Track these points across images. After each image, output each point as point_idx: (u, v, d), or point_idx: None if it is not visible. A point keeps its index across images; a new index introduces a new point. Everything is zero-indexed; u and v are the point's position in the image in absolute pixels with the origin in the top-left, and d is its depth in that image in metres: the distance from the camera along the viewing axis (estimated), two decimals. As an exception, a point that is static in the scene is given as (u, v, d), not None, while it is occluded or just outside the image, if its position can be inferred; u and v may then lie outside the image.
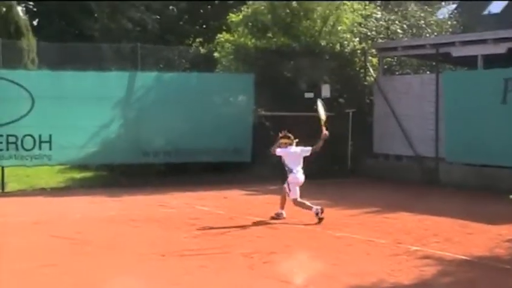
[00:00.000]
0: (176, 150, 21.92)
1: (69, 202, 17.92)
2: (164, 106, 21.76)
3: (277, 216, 14.81)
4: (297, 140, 15.07)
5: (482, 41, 20.65)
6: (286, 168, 14.92)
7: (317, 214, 14.31)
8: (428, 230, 13.64)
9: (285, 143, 14.95)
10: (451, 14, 32.61)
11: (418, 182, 21.70)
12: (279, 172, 22.39)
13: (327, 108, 23.66)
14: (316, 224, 14.09)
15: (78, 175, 22.88)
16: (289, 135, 15.04)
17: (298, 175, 14.83)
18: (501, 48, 20.21)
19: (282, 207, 14.93)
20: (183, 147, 22.01)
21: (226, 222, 14.65)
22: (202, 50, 25.53)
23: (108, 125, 21.26)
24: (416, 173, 22.14)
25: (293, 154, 14.96)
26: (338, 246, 12.00)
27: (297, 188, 14.80)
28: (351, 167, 23.67)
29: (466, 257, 11.14)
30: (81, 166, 23.23)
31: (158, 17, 28.42)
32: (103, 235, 13.15)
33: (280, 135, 15.05)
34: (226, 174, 22.09)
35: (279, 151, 14.96)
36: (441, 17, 30.83)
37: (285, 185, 14.88)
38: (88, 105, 20.78)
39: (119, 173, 22.22)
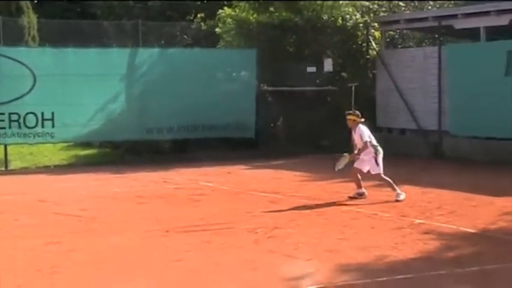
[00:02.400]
0: (179, 127, 21.94)
1: (73, 179, 17.95)
2: (167, 83, 21.74)
3: (359, 196, 14.13)
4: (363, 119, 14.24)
5: (485, 13, 20.53)
6: (374, 148, 14.03)
7: (361, 195, 14.03)
8: (432, 203, 13.65)
9: (354, 120, 14.05)
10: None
11: (422, 155, 21.69)
12: (282, 147, 22.52)
13: (330, 83, 23.82)
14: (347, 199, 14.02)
15: (81, 152, 22.91)
16: (358, 112, 14.25)
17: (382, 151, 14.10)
18: (504, 20, 20.10)
19: (360, 186, 14.23)
20: (186, 123, 22.02)
21: (231, 198, 14.68)
22: (203, 26, 25.43)
23: (111, 102, 21.27)
24: (420, 147, 22.12)
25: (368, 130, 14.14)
26: (343, 221, 12.01)
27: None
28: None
29: (470, 230, 11.14)
30: (85, 143, 23.25)
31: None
32: (108, 212, 13.18)
33: (349, 112, 14.35)
34: (230, 149, 22.09)
35: (368, 138, 13.92)
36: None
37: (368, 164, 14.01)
38: (90, 82, 20.80)
39: (123, 150, 22.26)
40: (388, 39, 24.96)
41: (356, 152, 14.01)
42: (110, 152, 22.94)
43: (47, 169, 20.18)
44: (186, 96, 21.76)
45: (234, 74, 23.38)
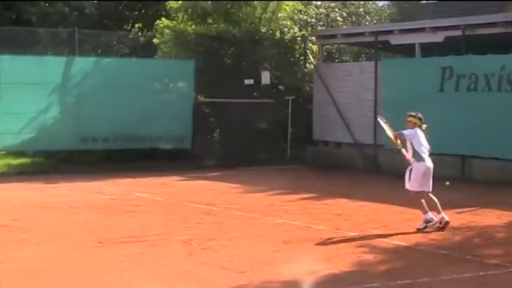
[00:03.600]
0: (115, 137, 21.75)
1: (5, 189, 17.61)
2: (103, 92, 21.53)
3: (427, 224, 12.22)
4: (425, 125, 12.63)
5: (420, 30, 20.86)
6: (414, 153, 12.41)
7: (428, 222, 12.15)
8: (367, 216, 13.76)
9: (414, 123, 12.56)
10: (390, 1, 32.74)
11: (357, 168, 21.86)
12: (219, 159, 22.50)
13: (268, 95, 23.88)
14: (415, 231, 12.07)
15: (14, 161, 22.51)
16: (420, 116, 12.68)
17: (428, 162, 12.43)
18: (438, 37, 20.44)
19: (426, 211, 12.27)
20: (122, 133, 21.84)
21: (166, 209, 14.57)
22: (141, 37, 25.28)
23: (46, 111, 20.98)
24: (356, 160, 22.30)
25: (422, 136, 12.51)
26: (277, 233, 12.00)
27: (421, 179, 12.32)
28: (291, 154, 23.74)
29: (404, 243, 11.25)
30: (18, 152, 22.85)
31: (96, 1, 27.96)
32: (40, 222, 12.95)
33: (411, 113, 12.74)
34: (166, 160, 22.00)
35: (406, 132, 12.45)
36: (380, 4, 31.00)
37: (407, 174, 12.44)
38: (25, 90, 20.46)
39: (57, 159, 21.96)
40: (325, 53, 25.15)
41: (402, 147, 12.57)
42: (43, 161, 22.62)
43: (-22, 178, 19.79)
44: (123, 106, 21.60)
45: (171, 85, 23.27)
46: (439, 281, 9.09)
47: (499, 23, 19.28)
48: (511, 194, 16.88)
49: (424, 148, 12.49)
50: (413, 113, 12.80)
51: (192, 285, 8.73)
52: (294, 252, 10.50)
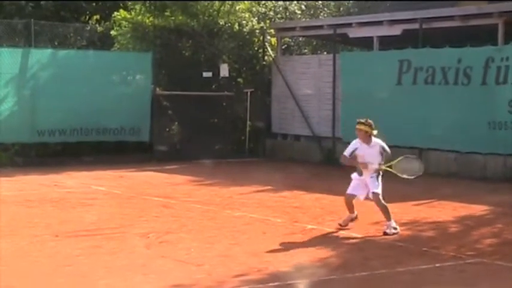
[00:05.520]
0: (72, 130, 21.53)
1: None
2: (59, 84, 21.30)
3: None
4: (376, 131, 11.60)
5: (378, 23, 20.95)
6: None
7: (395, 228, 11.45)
8: (325, 208, 13.81)
9: (365, 131, 11.53)
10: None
11: (316, 161, 21.93)
12: (177, 151, 22.43)
13: (226, 88, 23.81)
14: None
15: (-32, 155, 22.20)
16: (370, 122, 11.52)
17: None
18: (396, 30, 20.55)
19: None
20: (79, 126, 21.64)
21: (123, 202, 14.48)
22: (99, 28, 25.04)
23: (1, 103, 20.69)
24: (314, 153, 22.36)
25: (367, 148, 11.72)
26: (235, 226, 12.01)
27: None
28: (250, 147, 23.73)
29: (361, 235, 11.31)
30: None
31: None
32: (-5, 216, 12.81)
33: (360, 120, 11.60)
34: (123, 153, 21.86)
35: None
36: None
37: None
38: (-22, 82, 20.21)
39: (13, 152, 21.66)
40: (284, 46, 25.15)
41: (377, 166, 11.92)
42: (-2, 154, 22.34)
43: None
44: (80, 98, 21.39)
45: (129, 78, 23.14)
46: (397, 272, 9.14)
47: (456, 16, 19.44)
48: (467, 187, 17.09)
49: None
50: (362, 120, 11.56)
51: (150, 278, 8.67)
52: (252, 245, 10.49)
